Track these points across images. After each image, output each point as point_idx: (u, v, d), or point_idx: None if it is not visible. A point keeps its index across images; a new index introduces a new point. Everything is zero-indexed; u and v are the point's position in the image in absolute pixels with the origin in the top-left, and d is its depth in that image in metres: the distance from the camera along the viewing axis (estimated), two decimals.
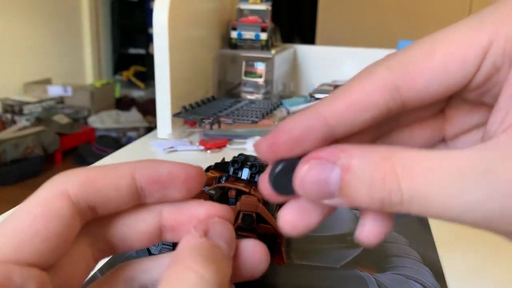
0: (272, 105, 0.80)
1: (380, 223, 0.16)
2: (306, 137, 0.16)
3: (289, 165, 0.16)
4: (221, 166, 0.43)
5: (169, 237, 0.18)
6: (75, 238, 0.16)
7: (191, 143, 0.70)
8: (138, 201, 0.17)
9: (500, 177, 0.13)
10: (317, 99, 0.99)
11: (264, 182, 0.17)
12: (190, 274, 0.14)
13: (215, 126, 0.73)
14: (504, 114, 0.14)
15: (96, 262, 0.18)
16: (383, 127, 0.18)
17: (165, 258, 0.18)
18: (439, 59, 0.15)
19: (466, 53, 0.14)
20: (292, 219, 0.17)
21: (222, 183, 0.41)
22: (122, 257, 0.36)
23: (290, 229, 0.17)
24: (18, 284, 0.13)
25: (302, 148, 0.16)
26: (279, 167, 0.16)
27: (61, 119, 2.93)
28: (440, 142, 0.18)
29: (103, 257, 0.18)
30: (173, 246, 0.32)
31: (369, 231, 0.16)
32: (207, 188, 0.41)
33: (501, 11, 0.14)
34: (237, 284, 0.18)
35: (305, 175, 0.15)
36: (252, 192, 0.39)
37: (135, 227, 0.18)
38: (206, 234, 0.16)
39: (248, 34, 0.94)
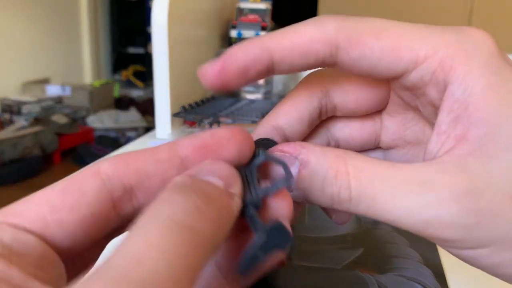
0: (272, 105, 0.80)
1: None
2: (252, 67, 0.16)
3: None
4: None
5: None
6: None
7: None
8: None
9: (436, 188, 0.14)
10: None
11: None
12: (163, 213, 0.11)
13: (215, 126, 0.73)
14: (446, 137, 0.15)
15: None
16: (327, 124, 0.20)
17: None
18: (381, 45, 0.15)
19: (403, 54, 0.15)
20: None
21: None
22: None
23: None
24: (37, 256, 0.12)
25: (247, 78, 0.16)
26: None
27: (59, 119, 2.93)
28: (375, 149, 0.20)
29: None
30: None
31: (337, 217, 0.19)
32: None
33: (446, 34, 0.15)
34: None
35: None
36: None
37: None
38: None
39: (248, 33, 0.93)
